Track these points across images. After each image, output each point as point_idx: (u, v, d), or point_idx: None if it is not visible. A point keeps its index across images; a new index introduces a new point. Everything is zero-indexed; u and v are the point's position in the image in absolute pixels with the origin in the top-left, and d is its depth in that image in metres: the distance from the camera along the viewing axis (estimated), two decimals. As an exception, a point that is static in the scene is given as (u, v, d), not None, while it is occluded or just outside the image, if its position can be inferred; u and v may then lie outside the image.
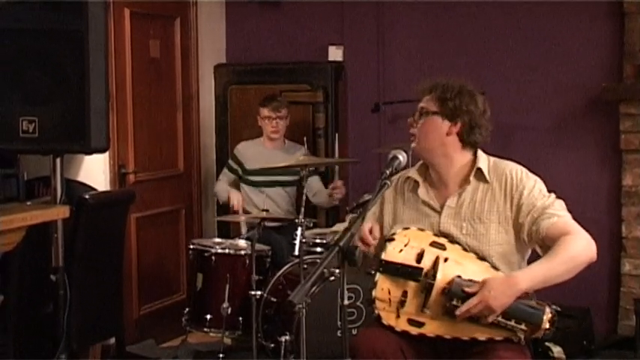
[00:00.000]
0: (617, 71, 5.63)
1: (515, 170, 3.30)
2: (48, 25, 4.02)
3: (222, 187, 5.88)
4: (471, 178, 3.30)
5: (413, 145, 3.34)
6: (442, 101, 3.30)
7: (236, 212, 5.67)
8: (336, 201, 5.76)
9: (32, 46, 4.01)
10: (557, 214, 3.20)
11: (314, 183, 5.81)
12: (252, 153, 5.83)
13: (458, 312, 3.04)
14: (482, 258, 3.22)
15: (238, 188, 5.89)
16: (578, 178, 5.78)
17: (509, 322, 3.07)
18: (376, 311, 3.21)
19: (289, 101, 6.03)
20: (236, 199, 5.69)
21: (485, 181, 3.29)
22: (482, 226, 3.26)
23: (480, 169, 3.30)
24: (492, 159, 3.37)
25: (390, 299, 3.18)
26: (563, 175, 5.62)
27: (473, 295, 3.03)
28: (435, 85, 3.34)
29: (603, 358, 5.38)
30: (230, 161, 5.95)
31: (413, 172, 3.42)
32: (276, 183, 5.84)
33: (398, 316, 3.18)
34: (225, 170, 5.96)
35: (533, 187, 3.26)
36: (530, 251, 3.33)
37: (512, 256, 3.26)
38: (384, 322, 3.20)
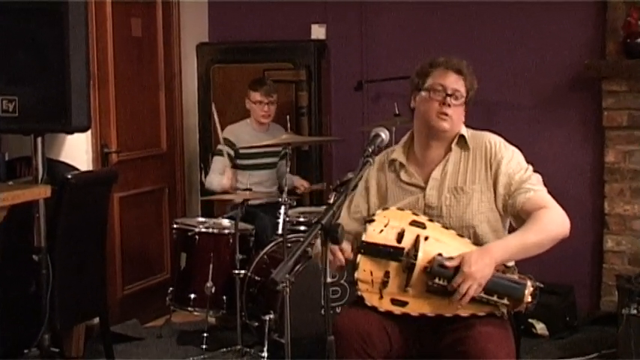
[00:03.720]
0: (599, 48, 5.64)
1: (493, 139, 3.35)
2: (27, 2, 3.98)
3: (216, 178, 5.70)
4: (453, 145, 3.34)
5: (446, 125, 3.29)
6: (469, 90, 3.33)
7: (232, 189, 5.59)
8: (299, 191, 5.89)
9: (11, 24, 3.98)
10: (534, 188, 3.24)
11: (283, 167, 5.76)
12: (242, 135, 5.76)
13: (450, 288, 3.04)
14: (462, 234, 3.23)
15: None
16: (561, 155, 5.79)
17: (491, 298, 3.09)
18: (359, 293, 3.21)
19: (272, 80, 6.01)
20: (227, 179, 5.58)
21: (467, 148, 3.33)
22: (465, 196, 3.28)
23: (463, 136, 3.34)
24: (470, 130, 3.40)
25: (372, 280, 3.18)
26: (545, 152, 5.64)
27: (453, 269, 3.05)
28: (464, 70, 3.33)
29: (586, 333, 5.41)
30: (221, 146, 5.74)
31: (397, 153, 3.42)
32: (264, 165, 5.82)
33: (381, 297, 3.18)
34: (217, 158, 5.77)
35: (511, 157, 3.30)
36: (509, 221, 3.35)
37: (497, 223, 3.30)
38: (368, 303, 3.20)
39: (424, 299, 3.14)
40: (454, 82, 3.30)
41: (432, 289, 3.10)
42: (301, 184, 5.88)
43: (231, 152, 5.72)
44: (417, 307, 3.15)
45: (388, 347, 3.20)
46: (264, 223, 5.48)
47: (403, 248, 3.15)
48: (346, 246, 3.22)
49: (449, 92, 3.28)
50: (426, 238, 3.15)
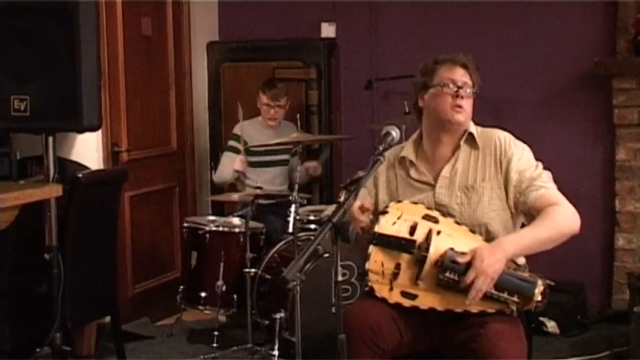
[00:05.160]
0: (610, 46, 5.63)
1: (503, 136, 3.35)
2: (38, 2, 3.99)
3: (226, 170, 5.78)
4: (462, 142, 3.34)
5: (461, 117, 3.30)
6: (474, 83, 3.35)
7: (242, 172, 5.68)
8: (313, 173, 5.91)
9: (22, 22, 3.98)
10: (545, 185, 3.24)
11: (294, 163, 5.76)
12: (252, 132, 5.79)
13: (463, 284, 3.05)
14: (474, 230, 3.24)
15: None
16: (572, 152, 5.79)
17: (501, 295, 3.09)
18: (369, 283, 3.22)
19: (282, 78, 6.00)
20: (238, 164, 5.63)
21: (476, 146, 3.33)
22: (475, 194, 3.28)
23: (471, 134, 3.35)
24: (479, 127, 3.40)
25: (383, 271, 3.19)
26: (556, 149, 5.62)
27: (465, 264, 3.05)
28: (469, 64, 3.36)
29: (597, 332, 5.40)
30: (231, 142, 5.84)
31: (407, 151, 3.43)
32: (274, 163, 5.83)
33: (391, 289, 3.19)
34: (227, 153, 5.84)
35: (521, 154, 3.30)
36: (521, 220, 3.35)
37: (508, 220, 3.30)
38: (377, 294, 3.21)
39: (434, 293, 3.15)
40: (462, 76, 3.32)
41: (443, 284, 3.11)
42: (310, 164, 5.88)
43: (239, 146, 5.74)
44: (427, 300, 3.16)
45: (398, 339, 3.21)
46: (275, 221, 5.48)
47: (415, 241, 3.16)
48: (362, 201, 3.22)
49: (459, 85, 3.29)
50: (439, 233, 3.16)
